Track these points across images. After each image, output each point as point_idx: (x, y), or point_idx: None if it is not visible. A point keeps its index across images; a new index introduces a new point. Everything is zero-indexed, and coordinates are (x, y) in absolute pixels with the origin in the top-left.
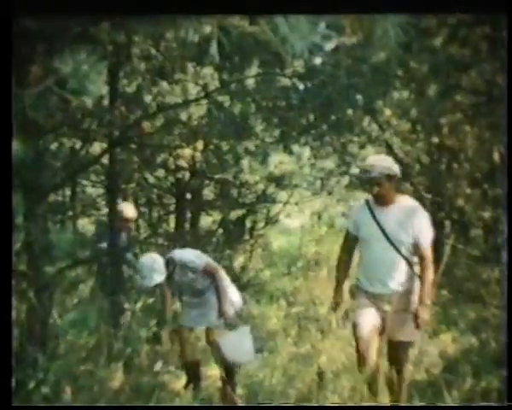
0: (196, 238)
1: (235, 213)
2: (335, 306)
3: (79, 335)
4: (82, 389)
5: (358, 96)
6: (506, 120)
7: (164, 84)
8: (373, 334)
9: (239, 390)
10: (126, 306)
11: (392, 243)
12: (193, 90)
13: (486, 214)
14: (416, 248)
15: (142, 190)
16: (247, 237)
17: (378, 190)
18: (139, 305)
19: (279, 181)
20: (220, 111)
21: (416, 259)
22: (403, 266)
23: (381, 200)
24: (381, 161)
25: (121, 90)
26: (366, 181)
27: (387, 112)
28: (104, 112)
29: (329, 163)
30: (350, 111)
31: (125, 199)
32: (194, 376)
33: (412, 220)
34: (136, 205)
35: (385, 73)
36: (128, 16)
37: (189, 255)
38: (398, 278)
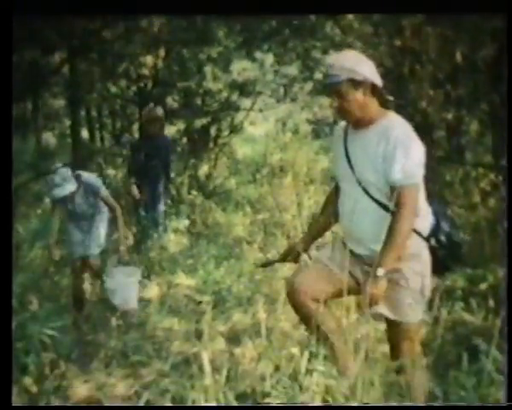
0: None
1: (199, 122)
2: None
3: (44, 246)
4: (48, 300)
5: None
6: (507, 120)
7: None
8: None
9: (206, 297)
10: None
11: (361, 186)
12: None
13: (449, 115)
14: (392, 190)
15: (105, 101)
16: (211, 145)
17: (340, 102)
18: None
19: (242, 88)
20: (181, 17)
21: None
22: (386, 219)
23: (355, 119)
24: (341, 60)
25: None
26: (328, 90)
27: (349, 15)
28: (63, 21)
29: (293, 69)
30: (312, 16)
31: (87, 110)
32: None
33: (385, 149)
34: (100, 116)
35: None
36: None
37: (97, 179)
38: (381, 236)
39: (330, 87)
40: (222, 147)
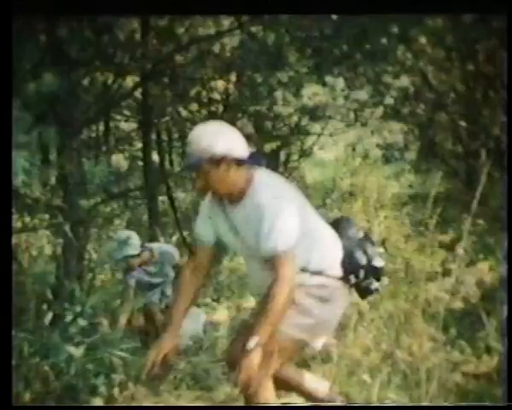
0: None
1: (269, 146)
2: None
3: (116, 268)
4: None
5: (392, 24)
6: (507, 121)
7: (196, 16)
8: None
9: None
10: (161, 239)
11: (256, 257)
12: (225, 21)
13: None
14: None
15: (176, 124)
16: (281, 169)
17: (204, 181)
18: (174, 238)
19: (313, 113)
20: (253, 42)
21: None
22: None
23: (225, 195)
24: (199, 138)
25: (153, 22)
26: (190, 169)
27: (422, 40)
28: (136, 45)
29: (363, 94)
30: (384, 40)
31: (158, 134)
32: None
33: (255, 222)
34: (170, 139)
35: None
36: None
37: (170, 247)
38: None
39: (191, 166)
40: (291, 171)
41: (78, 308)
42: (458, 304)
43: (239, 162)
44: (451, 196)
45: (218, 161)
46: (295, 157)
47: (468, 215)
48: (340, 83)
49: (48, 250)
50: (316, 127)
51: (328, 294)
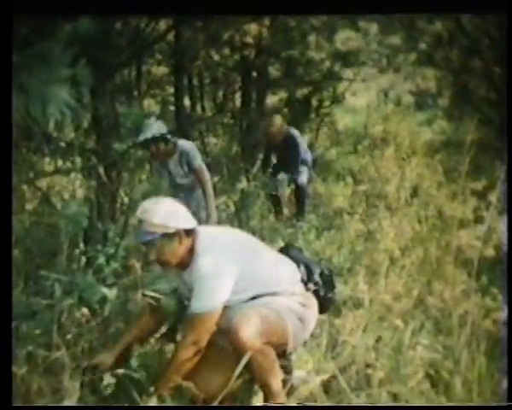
0: (262, 117)
1: (300, 92)
2: None
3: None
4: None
5: None
6: (507, 121)
7: None
8: None
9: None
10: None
11: None
12: None
13: None
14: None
15: (208, 69)
16: (312, 115)
17: (157, 255)
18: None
19: (345, 58)
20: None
21: None
22: None
23: (179, 264)
24: (151, 216)
25: None
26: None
27: None
28: None
29: (396, 39)
30: None
31: (189, 78)
32: None
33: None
34: (201, 84)
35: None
36: None
37: (193, 148)
38: None
39: (145, 243)
40: (323, 117)
41: (111, 250)
42: (490, 251)
43: (188, 233)
44: (484, 143)
45: (172, 235)
46: (327, 103)
47: (502, 163)
48: (374, 28)
49: (80, 193)
50: (348, 73)
51: (304, 300)
